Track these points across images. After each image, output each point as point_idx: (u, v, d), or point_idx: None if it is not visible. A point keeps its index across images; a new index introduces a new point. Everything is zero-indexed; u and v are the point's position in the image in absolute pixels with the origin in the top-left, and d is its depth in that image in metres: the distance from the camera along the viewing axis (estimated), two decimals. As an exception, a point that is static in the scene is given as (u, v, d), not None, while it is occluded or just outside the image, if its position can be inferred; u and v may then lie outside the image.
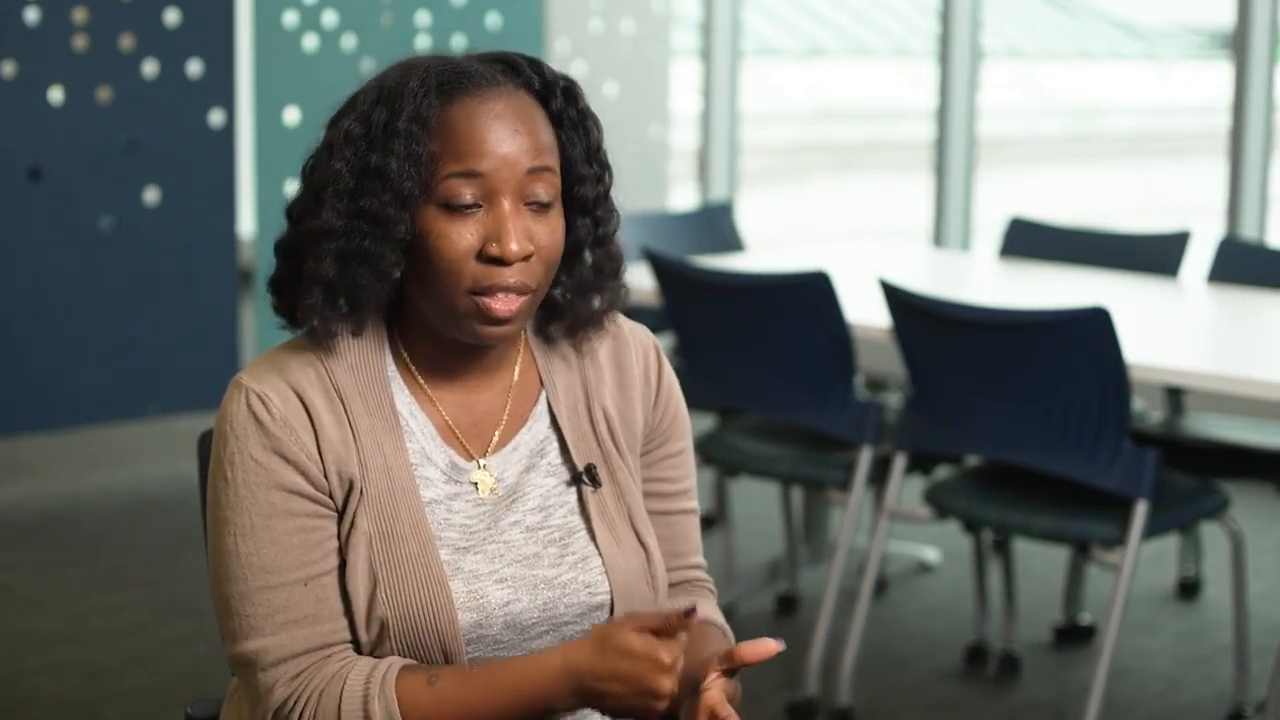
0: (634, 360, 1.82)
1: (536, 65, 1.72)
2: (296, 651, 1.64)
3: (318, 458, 1.66)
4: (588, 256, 1.75)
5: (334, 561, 1.67)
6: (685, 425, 1.87)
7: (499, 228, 1.64)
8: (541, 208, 1.67)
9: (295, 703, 1.63)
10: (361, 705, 1.60)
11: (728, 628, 1.84)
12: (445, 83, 1.66)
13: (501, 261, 1.63)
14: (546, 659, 1.61)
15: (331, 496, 1.67)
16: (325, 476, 1.66)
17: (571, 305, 1.76)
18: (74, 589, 4.27)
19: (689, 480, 1.88)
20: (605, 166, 1.74)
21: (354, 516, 1.67)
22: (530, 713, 1.62)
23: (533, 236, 1.65)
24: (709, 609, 1.84)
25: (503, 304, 1.65)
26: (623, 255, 1.78)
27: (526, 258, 1.65)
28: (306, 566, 1.65)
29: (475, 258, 1.64)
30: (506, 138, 1.64)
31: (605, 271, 1.76)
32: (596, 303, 1.77)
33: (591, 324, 1.78)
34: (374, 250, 1.65)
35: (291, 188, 1.74)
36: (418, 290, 1.68)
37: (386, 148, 1.64)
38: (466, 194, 1.64)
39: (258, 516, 1.64)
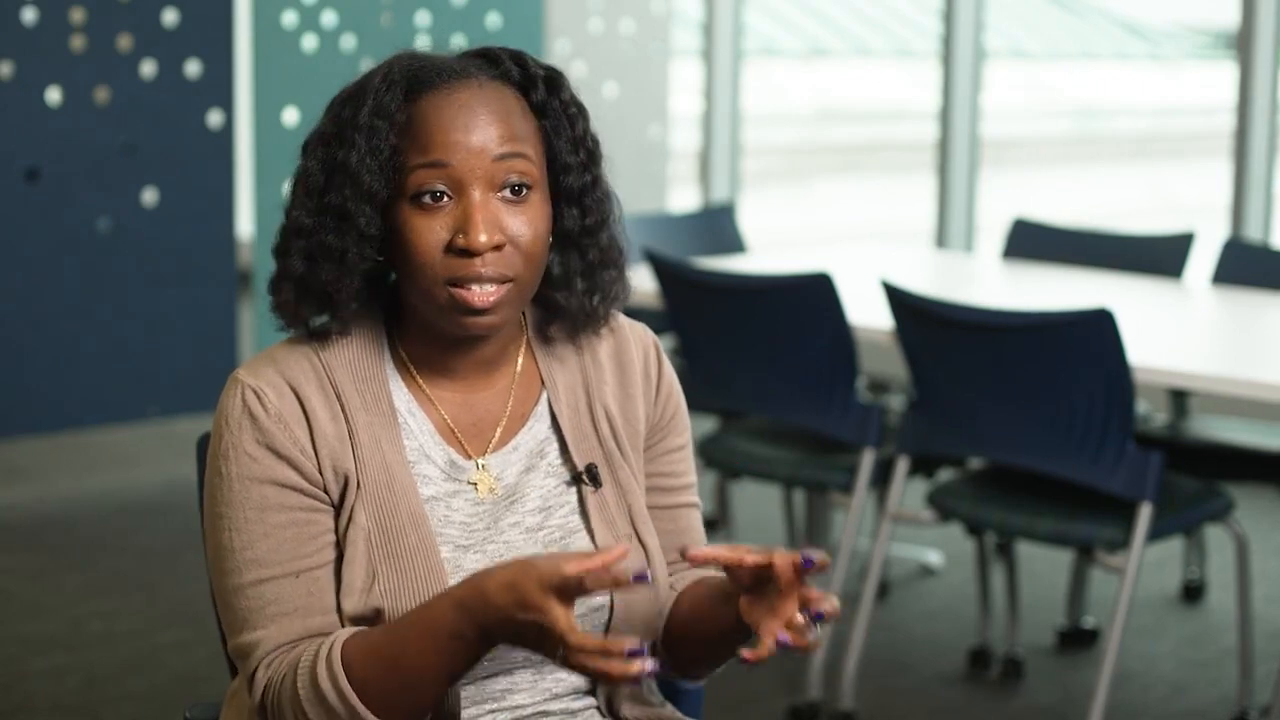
0: (635, 358, 1.82)
1: (518, 57, 1.71)
2: (284, 643, 1.64)
3: (312, 453, 1.66)
4: (576, 249, 1.73)
5: (329, 556, 1.67)
6: (685, 421, 1.87)
7: (466, 219, 1.62)
8: (516, 197, 1.65)
9: (270, 686, 1.63)
10: (310, 673, 1.59)
11: None
12: (412, 78, 1.66)
13: (469, 253, 1.62)
14: (456, 586, 1.57)
15: (327, 491, 1.67)
16: (320, 471, 1.66)
17: (567, 301, 1.74)
18: (72, 593, 4.26)
19: (690, 475, 1.87)
20: (592, 155, 1.72)
21: (351, 511, 1.66)
22: (443, 646, 1.55)
23: (505, 227, 1.63)
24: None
25: (479, 296, 1.63)
26: (619, 248, 1.76)
27: (498, 248, 1.63)
28: (299, 560, 1.65)
29: (445, 250, 1.63)
30: (473, 127, 1.63)
31: (599, 264, 1.73)
32: (595, 299, 1.74)
33: (591, 324, 1.77)
34: (337, 245, 1.64)
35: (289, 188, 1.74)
36: (406, 287, 1.68)
37: (350, 143, 1.64)
38: (435, 186, 1.63)
39: (251, 510, 1.64)
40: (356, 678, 1.58)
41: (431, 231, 1.63)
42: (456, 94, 1.64)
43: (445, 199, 1.63)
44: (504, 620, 1.51)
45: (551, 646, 1.49)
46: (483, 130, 1.63)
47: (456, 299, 1.63)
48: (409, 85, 1.65)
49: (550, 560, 1.50)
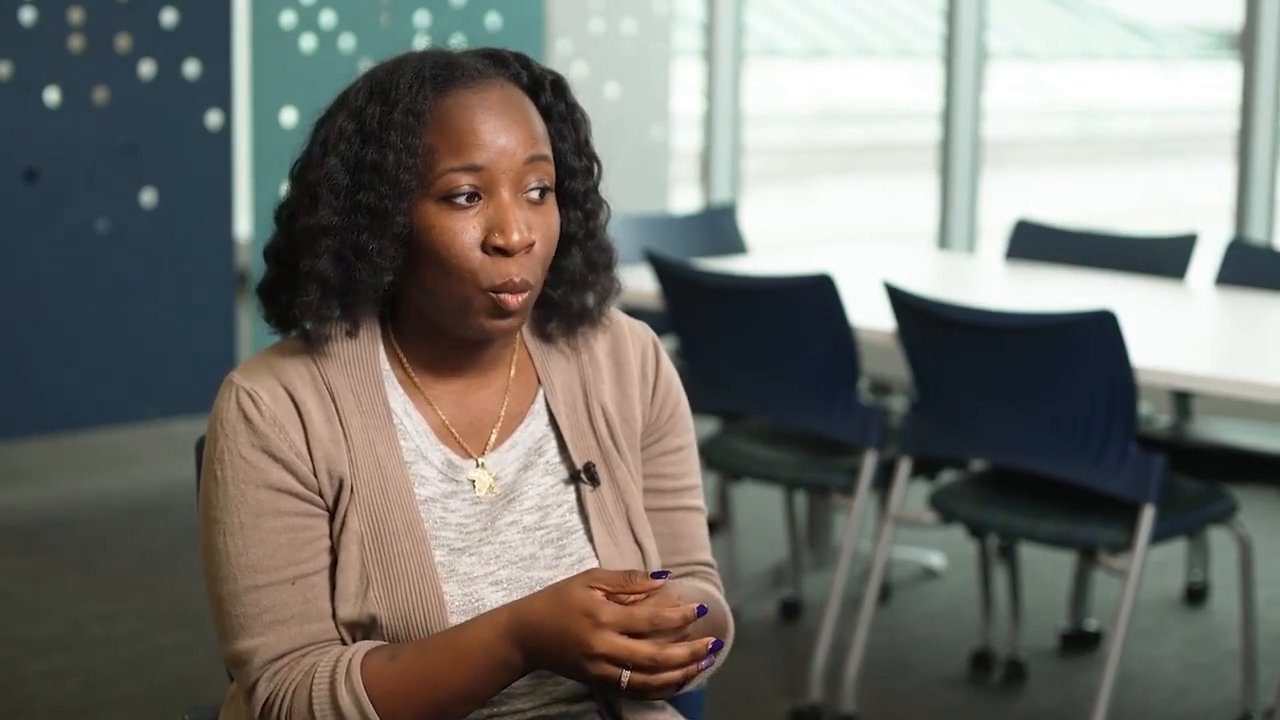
0: (632, 356, 1.81)
1: (523, 60, 1.72)
2: (283, 651, 1.63)
3: (307, 456, 1.65)
4: (579, 250, 1.74)
5: (324, 561, 1.66)
6: (686, 422, 1.86)
7: (501, 218, 1.62)
8: (538, 198, 1.65)
9: (274, 699, 1.62)
10: (329, 692, 1.59)
11: (728, 610, 1.79)
12: (439, 75, 1.65)
13: (505, 251, 1.62)
14: (498, 614, 1.58)
15: (322, 495, 1.66)
16: (315, 475, 1.65)
17: (566, 300, 1.75)
18: (70, 595, 4.24)
19: (691, 478, 1.86)
20: (594, 159, 1.74)
21: (345, 516, 1.66)
22: (488, 675, 1.58)
23: (532, 227, 1.64)
24: (712, 591, 1.80)
25: (512, 300, 1.63)
26: (613, 248, 1.78)
27: (529, 247, 1.63)
28: (294, 566, 1.64)
29: (479, 249, 1.62)
30: (504, 129, 1.63)
31: (597, 265, 1.75)
32: (590, 298, 1.76)
33: (587, 320, 1.77)
34: (372, 245, 1.63)
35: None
36: (418, 288, 1.66)
37: (382, 141, 1.62)
38: (466, 186, 1.62)
39: (246, 515, 1.64)
40: (377, 697, 1.58)
41: (465, 231, 1.62)
42: (485, 94, 1.64)
43: (476, 199, 1.63)
44: (567, 663, 1.54)
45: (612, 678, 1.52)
46: (512, 133, 1.63)
47: (495, 302, 1.63)
48: (435, 82, 1.64)
49: (585, 592, 1.52)
